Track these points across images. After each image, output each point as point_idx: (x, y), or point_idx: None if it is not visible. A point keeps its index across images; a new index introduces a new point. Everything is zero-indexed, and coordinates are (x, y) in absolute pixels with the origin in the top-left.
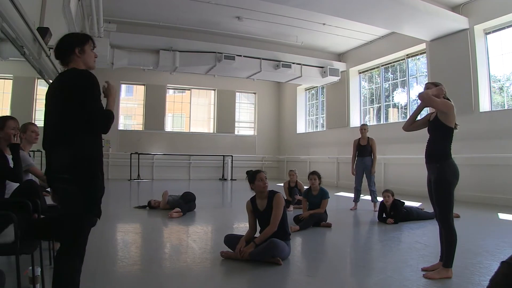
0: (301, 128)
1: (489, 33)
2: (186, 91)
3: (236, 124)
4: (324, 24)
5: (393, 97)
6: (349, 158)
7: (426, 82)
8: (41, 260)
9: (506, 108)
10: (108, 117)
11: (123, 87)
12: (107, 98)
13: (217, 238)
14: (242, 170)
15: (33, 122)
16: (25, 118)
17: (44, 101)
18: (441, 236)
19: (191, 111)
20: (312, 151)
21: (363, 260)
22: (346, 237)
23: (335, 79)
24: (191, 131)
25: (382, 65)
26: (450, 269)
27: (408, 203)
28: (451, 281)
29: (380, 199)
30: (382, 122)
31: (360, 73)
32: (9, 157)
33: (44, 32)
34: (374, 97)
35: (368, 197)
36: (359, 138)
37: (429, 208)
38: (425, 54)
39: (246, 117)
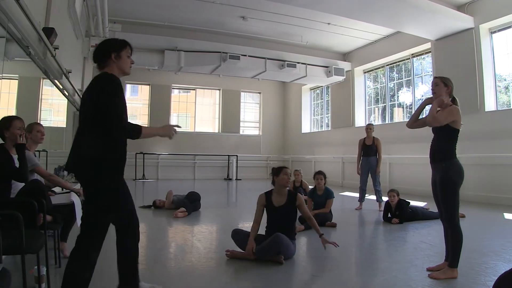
0: (306, 127)
1: (494, 32)
2: (191, 91)
3: (241, 124)
4: (329, 23)
5: (398, 96)
6: (354, 158)
7: (435, 76)
8: (46, 259)
9: (511, 107)
10: (125, 128)
11: (128, 87)
12: (159, 130)
13: (222, 237)
14: (247, 170)
15: (38, 122)
16: (31, 118)
17: (49, 101)
18: (446, 236)
19: (196, 111)
20: (317, 151)
21: (368, 260)
22: (351, 236)
23: (340, 78)
24: (196, 131)
25: (387, 65)
26: (456, 269)
27: (413, 203)
28: (457, 281)
29: (385, 199)
30: (387, 122)
31: (365, 72)
32: (15, 157)
33: (49, 32)
34: (379, 97)
35: (373, 197)
36: (365, 138)
37: (434, 208)
38: (430, 53)
39: (251, 117)
